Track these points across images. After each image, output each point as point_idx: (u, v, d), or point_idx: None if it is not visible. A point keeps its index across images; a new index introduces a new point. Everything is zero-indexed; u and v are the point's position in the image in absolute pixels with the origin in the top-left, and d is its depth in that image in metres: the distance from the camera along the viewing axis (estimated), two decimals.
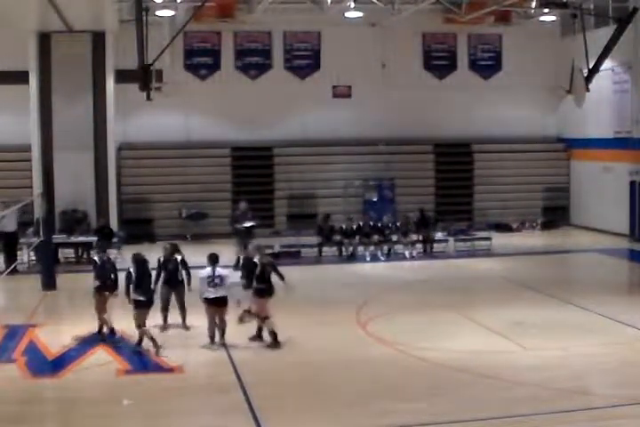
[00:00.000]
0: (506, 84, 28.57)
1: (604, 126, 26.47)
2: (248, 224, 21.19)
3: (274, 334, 13.36)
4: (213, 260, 13.50)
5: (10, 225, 20.40)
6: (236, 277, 13.96)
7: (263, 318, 13.42)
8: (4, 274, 17.70)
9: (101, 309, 14.10)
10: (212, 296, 13.20)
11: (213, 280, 13.18)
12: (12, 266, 19.25)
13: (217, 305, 13.24)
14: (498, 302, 16.74)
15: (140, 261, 13.65)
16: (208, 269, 13.33)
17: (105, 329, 14.18)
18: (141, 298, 13.24)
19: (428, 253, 23.00)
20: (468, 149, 28.82)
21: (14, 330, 14.49)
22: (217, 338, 13.47)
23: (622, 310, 15.45)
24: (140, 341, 13.32)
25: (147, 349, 13.22)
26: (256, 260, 13.74)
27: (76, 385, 11.65)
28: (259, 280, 13.45)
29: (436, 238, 23.59)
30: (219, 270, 13.32)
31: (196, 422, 10.21)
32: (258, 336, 13.61)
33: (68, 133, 23.98)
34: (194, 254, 23.32)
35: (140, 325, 13.26)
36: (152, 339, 13.18)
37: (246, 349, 13.33)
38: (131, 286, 13.36)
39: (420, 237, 23.24)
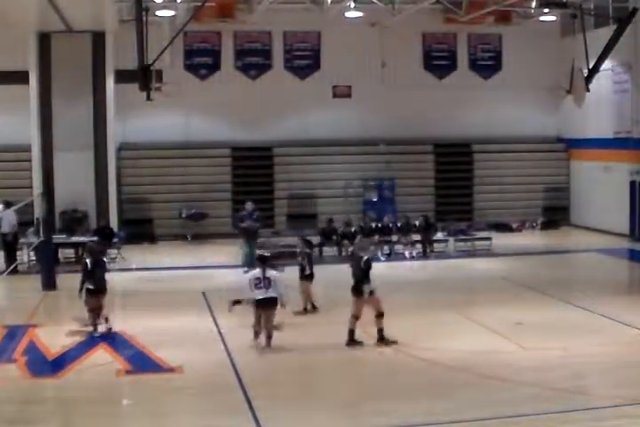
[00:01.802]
0: (506, 84, 28.59)
1: (604, 126, 26.47)
2: (253, 226, 20.99)
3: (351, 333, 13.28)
4: (263, 261, 13.46)
5: (6, 226, 20.41)
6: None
7: (356, 318, 13.27)
8: (4, 274, 17.72)
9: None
10: (260, 297, 13.06)
11: (261, 282, 13.04)
12: (13, 266, 19.29)
13: (265, 306, 13.12)
14: (498, 302, 16.73)
15: (94, 253, 14.69)
16: (256, 271, 13.25)
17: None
18: (91, 287, 14.12)
19: (427, 255, 22.95)
20: (468, 149, 28.83)
21: (14, 330, 14.48)
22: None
23: (622, 310, 15.44)
24: (96, 325, 14.18)
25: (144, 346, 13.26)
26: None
27: (76, 385, 11.64)
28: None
29: (436, 238, 23.61)
30: (268, 272, 13.17)
31: (196, 422, 10.20)
32: (381, 339, 13.44)
33: (68, 133, 23.99)
34: (194, 254, 23.64)
35: (92, 310, 14.15)
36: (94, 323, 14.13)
37: (246, 349, 13.34)
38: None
39: (420, 238, 23.19)
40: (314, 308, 15.80)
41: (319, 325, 14.97)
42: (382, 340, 13.33)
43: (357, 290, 13.28)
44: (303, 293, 15.75)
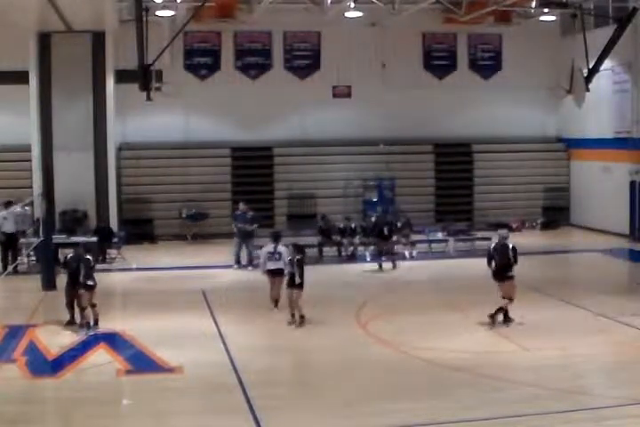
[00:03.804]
0: (506, 84, 28.57)
1: (604, 126, 26.46)
2: (249, 228, 21.06)
3: (505, 311, 14.57)
4: (276, 238, 15.93)
5: (10, 225, 20.45)
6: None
7: (510, 299, 14.55)
8: (3, 274, 17.72)
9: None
10: (272, 268, 15.64)
11: (274, 255, 15.61)
12: (13, 265, 19.30)
13: (275, 275, 15.60)
14: (498, 302, 16.69)
15: (93, 250, 15.50)
16: (270, 246, 15.76)
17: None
18: (91, 283, 14.51)
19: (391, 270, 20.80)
20: (468, 149, 28.82)
21: (14, 330, 14.49)
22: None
23: (622, 310, 15.44)
24: (88, 323, 14.40)
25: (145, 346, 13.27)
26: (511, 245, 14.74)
27: (75, 385, 11.65)
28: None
29: (436, 238, 23.63)
30: (279, 248, 15.65)
31: (196, 422, 10.21)
32: (506, 319, 14.64)
33: (68, 133, 23.99)
34: (194, 254, 23.63)
35: (86, 307, 14.45)
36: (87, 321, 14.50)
37: (246, 349, 13.35)
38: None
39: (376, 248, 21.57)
40: (302, 318, 14.86)
41: (319, 325, 14.96)
42: (507, 319, 14.59)
43: (502, 275, 14.55)
44: (294, 302, 14.85)
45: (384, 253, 21.28)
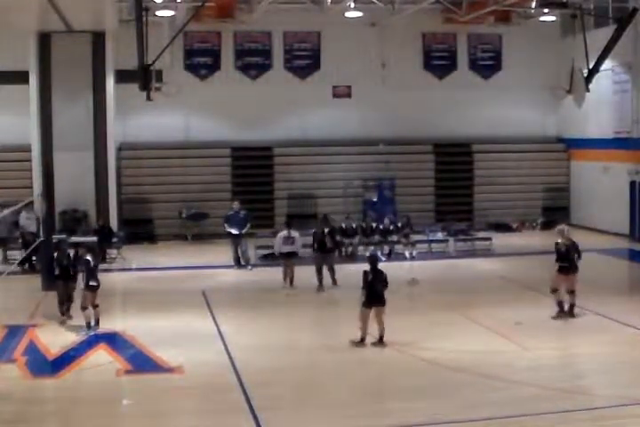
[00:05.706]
0: (506, 84, 28.60)
1: (604, 126, 26.46)
2: (235, 231, 21.01)
3: (572, 307, 15.16)
4: (289, 225, 18.96)
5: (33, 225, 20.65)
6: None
7: (570, 292, 15.26)
8: (4, 274, 17.73)
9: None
10: (286, 251, 18.28)
11: (288, 240, 18.28)
12: (18, 262, 19.37)
13: (289, 257, 18.27)
14: (498, 302, 16.74)
15: (93, 251, 15.43)
16: (284, 232, 18.56)
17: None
18: (94, 283, 14.52)
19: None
20: (468, 149, 28.82)
21: (14, 330, 14.49)
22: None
23: (622, 310, 15.47)
24: (89, 323, 14.35)
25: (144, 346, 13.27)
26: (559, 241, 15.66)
27: (75, 385, 11.66)
28: (562, 259, 15.53)
29: (436, 239, 23.64)
30: (292, 233, 18.46)
31: (196, 422, 10.21)
32: (569, 313, 15.19)
33: (67, 133, 23.98)
34: (194, 255, 23.63)
35: (87, 307, 14.42)
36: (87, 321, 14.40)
37: (246, 349, 13.35)
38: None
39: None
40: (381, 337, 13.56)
41: (318, 325, 14.96)
42: (571, 313, 15.18)
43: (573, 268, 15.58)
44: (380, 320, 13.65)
45: (326, 266, 18.41)
